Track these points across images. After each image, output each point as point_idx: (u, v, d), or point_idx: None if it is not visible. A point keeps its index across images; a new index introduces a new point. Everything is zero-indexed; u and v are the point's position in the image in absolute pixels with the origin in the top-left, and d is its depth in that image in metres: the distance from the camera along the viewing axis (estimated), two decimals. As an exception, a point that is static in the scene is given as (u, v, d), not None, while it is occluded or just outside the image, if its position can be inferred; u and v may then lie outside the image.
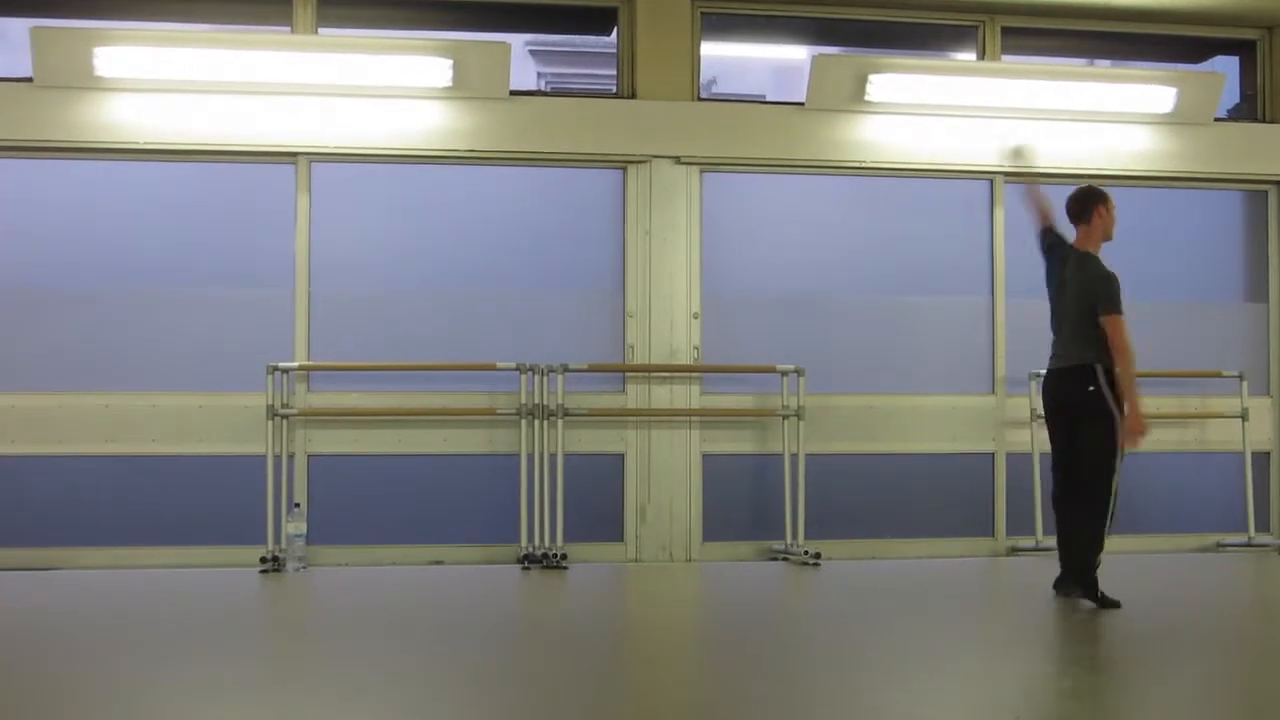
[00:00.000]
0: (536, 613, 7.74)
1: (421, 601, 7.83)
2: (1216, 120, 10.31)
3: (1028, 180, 8.33)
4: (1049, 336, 10.03)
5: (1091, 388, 7.30)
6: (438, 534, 9.34)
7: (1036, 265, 10.04)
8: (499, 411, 9.33)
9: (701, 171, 9.72)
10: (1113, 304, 7.38)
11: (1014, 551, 9.81)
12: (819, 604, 7.83)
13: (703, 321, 9.63)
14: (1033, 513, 9.72)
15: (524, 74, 12.78)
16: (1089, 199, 7.68)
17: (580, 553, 9.24)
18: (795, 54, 11.07)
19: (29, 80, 9.07)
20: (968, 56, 10.36)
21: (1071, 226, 7.77)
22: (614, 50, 9.98)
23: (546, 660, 5.95)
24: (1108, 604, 7.13)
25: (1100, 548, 7.29)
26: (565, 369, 9.30)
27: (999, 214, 10.07)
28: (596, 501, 9.54)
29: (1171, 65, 10.67)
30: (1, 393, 9.05)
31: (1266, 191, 10.51)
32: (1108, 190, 7.77)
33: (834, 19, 10.26)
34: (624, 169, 9.69)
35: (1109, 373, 7.29)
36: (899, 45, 10.47)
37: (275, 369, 9.07)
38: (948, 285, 10.06)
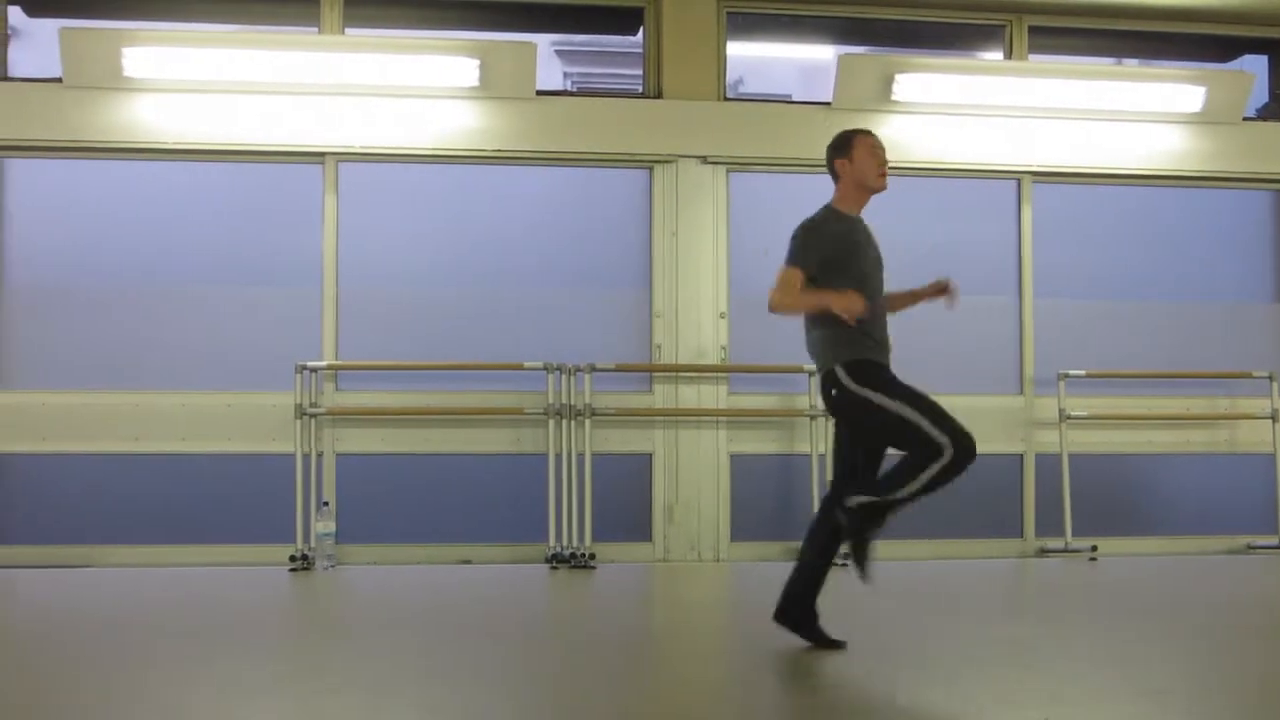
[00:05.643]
0: (564, 612, 7.75)
1: (449, 601, 7.84)
2: (1245, 119, 10.26)
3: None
4: (1078, 336, 10.04)
5: None
6: (466, 533, 9.36)
7: (1065, 265, 10.10)
8: (526, 411, 9.33)
9: (728, 171, 9.72)
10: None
11: (1043, 553, 9.78)
12: (846, 604, 7.80)
13: (730, 321, 9.62)
14: (1062, 514, 9.69)
15: (550, 74, 12.78)
16: (827, 155, 6.20)
17: (608, 552, 9.24)
18: (821, 53, 11.05)
19: (58, 81, 9.12)
20: (994, 56, 10.34)
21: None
22: (640, 50, 9.98)
23: (574, 660, 5.95)
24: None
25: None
26: (593, 369, 9.31)
27: (1026, 213, 10.04)
28: (624, 501, 9.54)
29: (1200, 64, 10.63)
30: (32, 391, 9.10)
31: (1296, 191, 10.46)
32: (854, 131, 6.23)
33: (860, 18, 10.25)
34: (650, 169, 9.70)
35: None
36: (925, 45, 10.45)
37: (303, 368, 9.11)
38: (975, 285, 9.96)
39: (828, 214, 6.04)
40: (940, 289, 6.20)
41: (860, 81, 9.72)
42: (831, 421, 9.46)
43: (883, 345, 6.05)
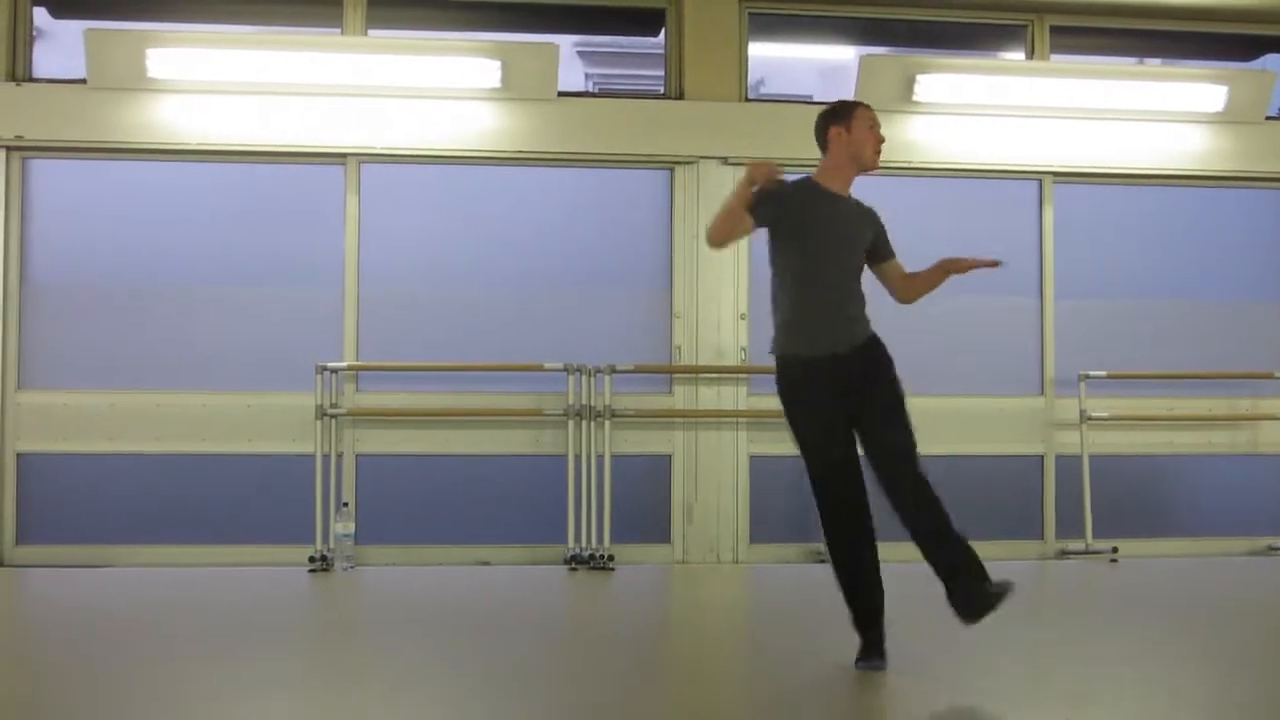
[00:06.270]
0: (583, 613, 7.76)
1: (468, 601, 7.86)
2: (1268, 119, 10.21)
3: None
4: (1100, 337, 9.96)
5: (885, 353, 5.80)
6: (485, 534, 9.37)
7: (1086, 266, 10.07)
8: (546, 412, 9.35)
9: (749, 172, 9.70)
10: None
11: (1064, 554, 9.76)
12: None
13: (750, 322, 9.61)
14: (1082, 515, 9.67)
15: (572, 75, 12.79)
16: (820, 121, 5.91)
17: (627, 554, 9.25)
18: (843, 54, 11.04)
19: (83, 82, 9.17)
20: (1016, 56, 10.32)
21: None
22: (661, 51, 9.99)
23: (593, 661, 5.96)
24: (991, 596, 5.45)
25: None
26: (612, 370, 9.32)
27: (1048, 214, 10.02)
28: (643, 503, 9.54)
29: (1222, 63, 10.59)
30: (53, 390, 9.16)
31: (1320, 191, 10.41)
32: (854, 102, 5.93)
33: (881, 19, 10.24)
34: (671, 170, 9.70)
35: None
36: (947, 45, 10.43)
37: (324, 369, 9.14)
38: (996, 286, 9.97)
39: (801, 181, 5.78)
40: (951, 267, 5.80)
41: (881, 82, 9.70)
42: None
43: (820, 334, 5.63)
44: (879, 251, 5.89)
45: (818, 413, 5.65)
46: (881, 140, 5.78)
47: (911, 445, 5.61)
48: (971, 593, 5.42)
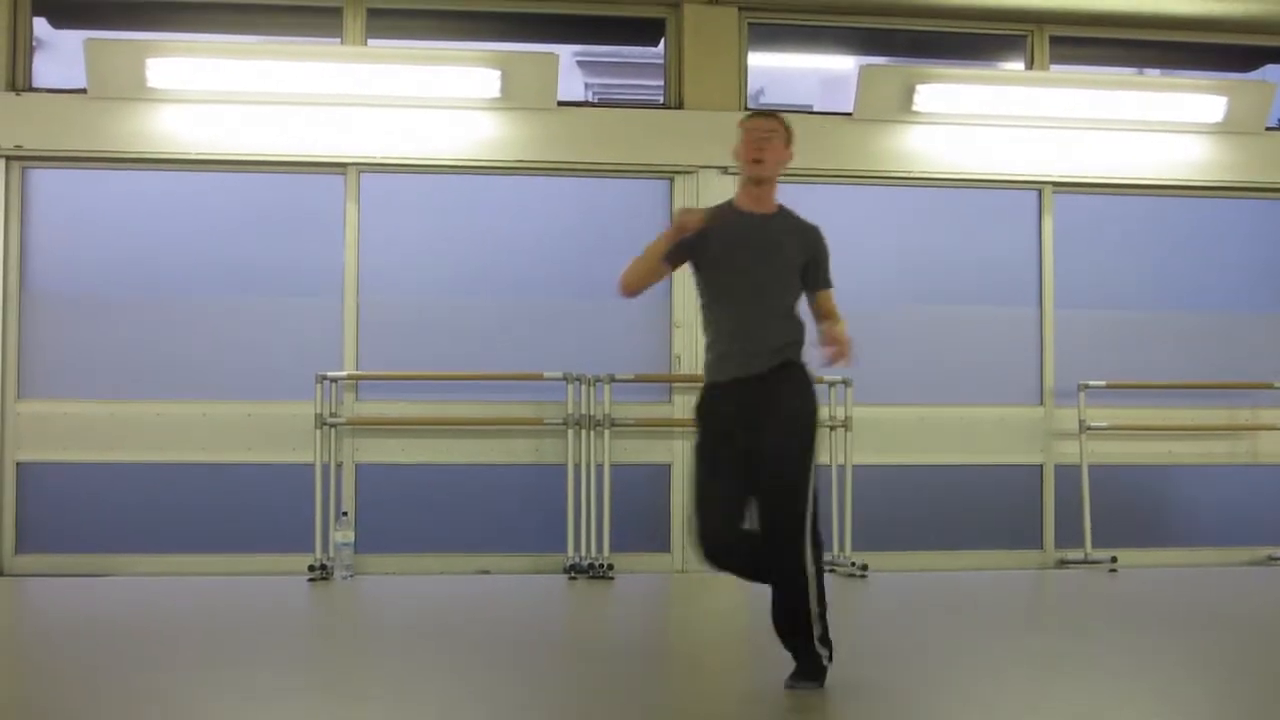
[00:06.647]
0: (582, 623, 7.75)
1: (468, 610, 7.85)
2: (1267, 129, 10.22)
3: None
4: (1099, 347, 9.97)
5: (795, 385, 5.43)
6: (484, 543, 9.37)
7: (1086, 276, 10.08)
8: (546, 421, 9.34)
9: (749, 182, 9.70)
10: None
11: (1063, 564, 9.75)
12: (867, 616, 7.80)
13: (750, 331, 9.60)
14: (1082, 525, 9.66)
15: (572, 85, 12.80)
16: None
17: (627, 563, 9.24)
18: (843, 64, 11.05)
19: (83, 92, 9.17)
20: (1016, 66, 10.32)
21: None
22: (661, 61, 10.00)
23: (592, 670, 5.95)
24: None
25: (820, 582, 5.29)
26: (612, 379, 9.31)
27: (1047, 224, 10.02)
28: (643, 512, 9.54)
29: (1222, 74, 10.60)
30: (53, 400, 9.16)
31: (1319, 201, 10.41)
32: (746, 114, 5.90)
33: (881, 29, 10.24)
34: (671, 179, 9.70)
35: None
36: (947, 55, 10.45)
37: (324, 378, 9.13)
38: (996, 296, 10.02)
39: (719, 206, 5.59)
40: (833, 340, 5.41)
41: (881, 92, 9.71)
42: (851, 433, 9.51)
43: (741, 356, 5.36)
44: (812, 278, 5.59)
45: (705, 443, 5.44)
46: (757, 144, 5.43)
47: (794, 514, 5.31)
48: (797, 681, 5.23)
